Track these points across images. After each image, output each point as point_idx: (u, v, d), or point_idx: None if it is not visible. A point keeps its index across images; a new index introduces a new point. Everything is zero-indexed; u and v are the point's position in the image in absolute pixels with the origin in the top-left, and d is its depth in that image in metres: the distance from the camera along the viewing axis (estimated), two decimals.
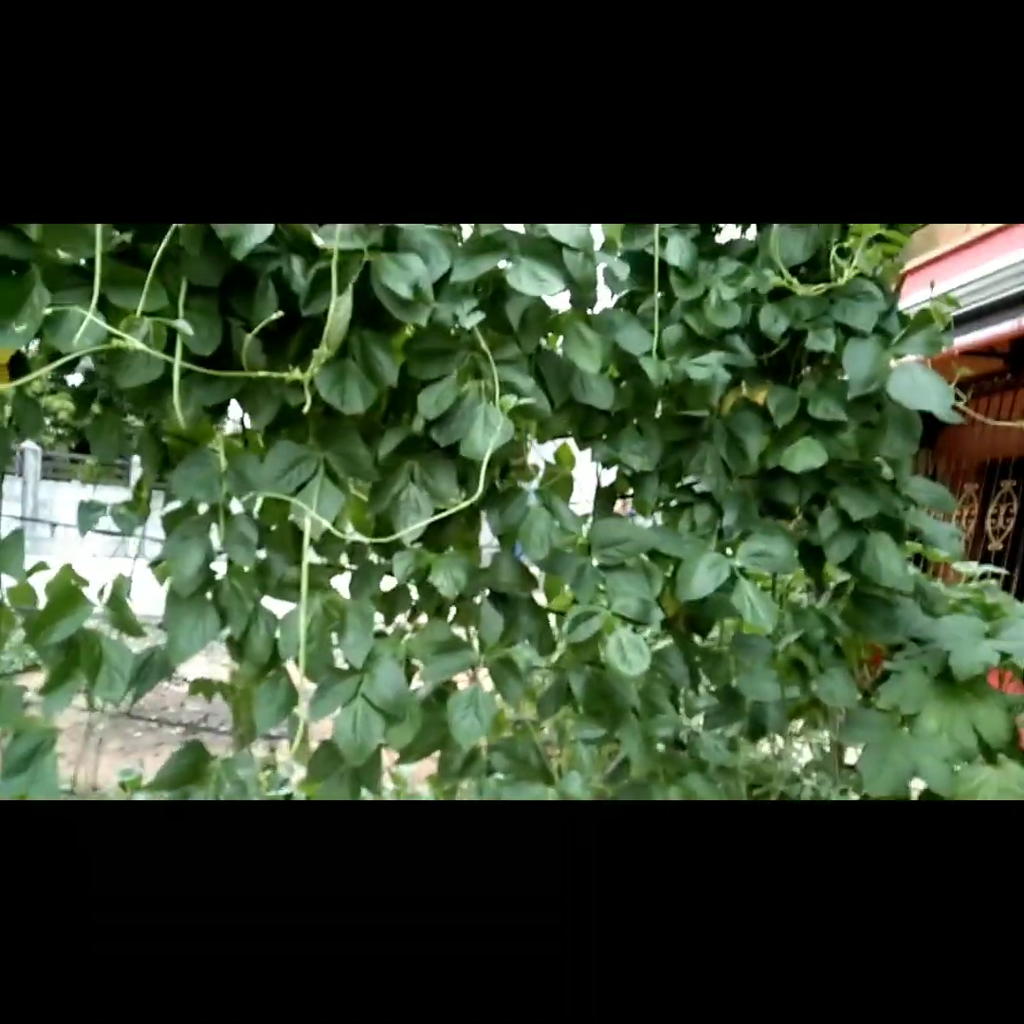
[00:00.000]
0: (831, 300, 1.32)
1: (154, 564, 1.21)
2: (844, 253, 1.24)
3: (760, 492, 1.43)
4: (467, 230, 1.30)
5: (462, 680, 1.29)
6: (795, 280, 1.24)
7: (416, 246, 1.12)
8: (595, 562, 1.28)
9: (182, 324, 0.95)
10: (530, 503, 1.25)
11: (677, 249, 1.27)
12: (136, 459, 1.28)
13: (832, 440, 1.34)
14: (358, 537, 1.20)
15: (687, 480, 1.43)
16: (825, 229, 1.29)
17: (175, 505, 1.22)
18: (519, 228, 1.19)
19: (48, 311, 0.99)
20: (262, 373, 1.07)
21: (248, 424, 1.27)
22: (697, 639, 1.43)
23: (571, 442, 1.46)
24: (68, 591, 1.09)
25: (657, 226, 1.28)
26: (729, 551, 1.32)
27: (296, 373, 1.05)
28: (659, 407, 1.41)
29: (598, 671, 1.26)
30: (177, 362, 1.04)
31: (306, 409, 1.08)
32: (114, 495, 1.34)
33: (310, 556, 1.25)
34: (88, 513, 1.14)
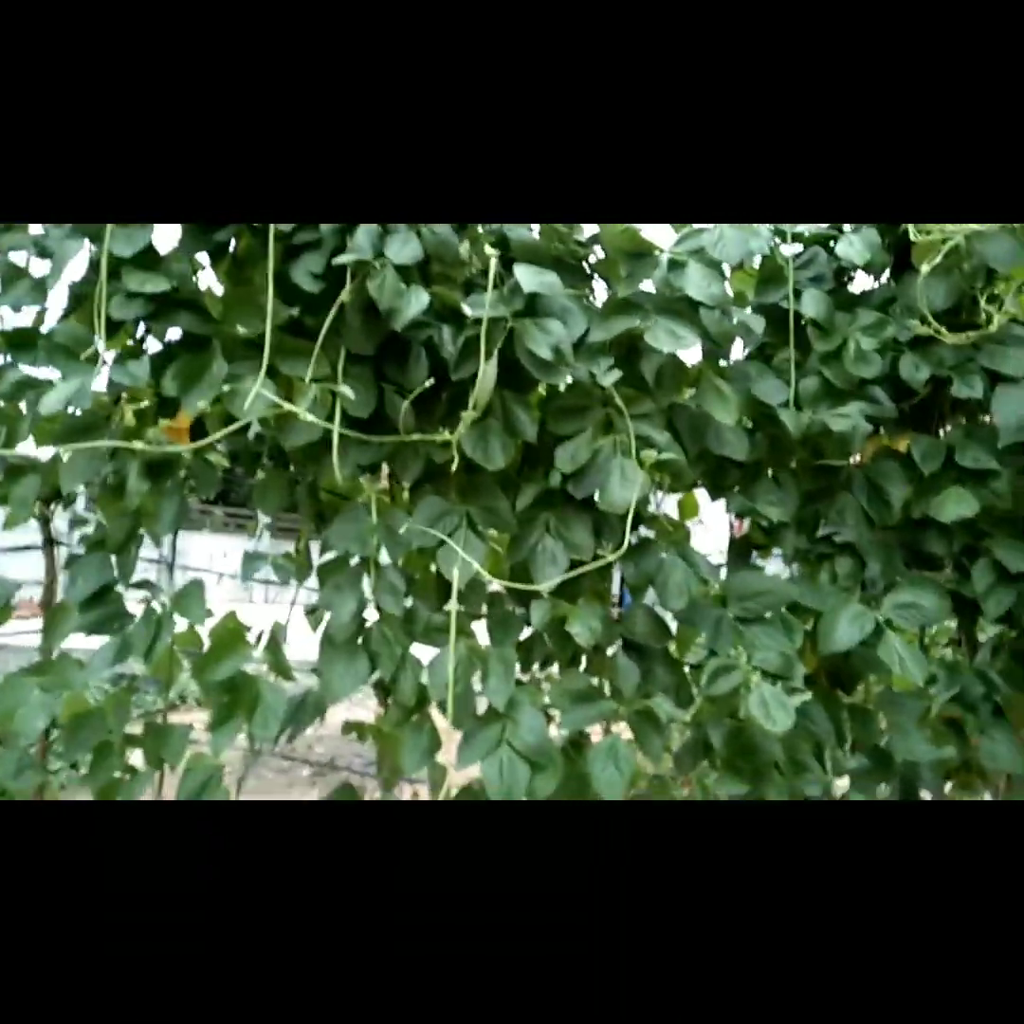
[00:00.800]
0: (975, 346, 1.28)
1: (310, 612, 1.29)
2: (992, 299, 1.20)
3: (905, 543, 1.38)
4: (600, 292, 1.36)
5: (594, 733, 1.30)
6: (943, 328, 1.21)
7: (555, 311, 1.18)
8: (731, 614, 1.27)
9: (345, 390, 1.04)
10: (664, 554, 1.26)
11: (813, 301, 1.28)
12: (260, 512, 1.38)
13: (983, 489, 1.29)
14: (498, 586, 1.24)
15: (825, 531, 1.40)
16: (968, 275, 1.26)
17: (329, 556, 1.31)
18: (650, 289, 1.23)
19: (225, 383, 1.11)
20: (415, 435, 1.15)
21: (390, 481, 1.36)
22: (841, 695, 1.38)
23: (697, 492, 1.47)
24: (231, 635, 1.18)
25: (791, 280, 1.29)
26: (873, 604, 1.28)
27: (445, 433, 1.12)
28: (794, 457, 1.40)
29: (739, 725, 1.24)
30: (336, 425, 1.13)
31: (453, 466, 1.14)
32: (243, 545, 1.45)
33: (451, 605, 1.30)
34: (251, 563, 1.24)
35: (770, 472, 1.37)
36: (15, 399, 1.10)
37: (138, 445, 1.02)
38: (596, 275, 1.35)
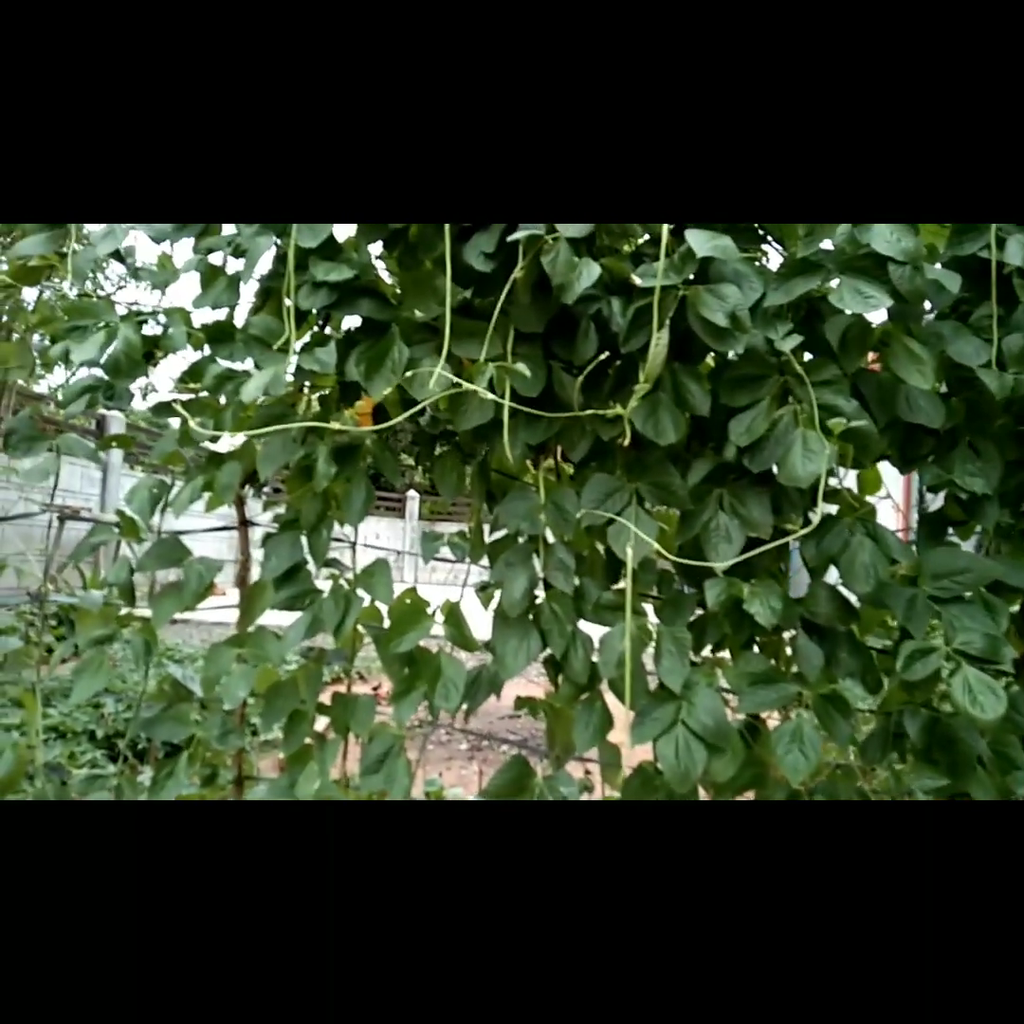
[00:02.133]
0: None
1: (481, 589, 1.32)
2: None
3: None
4: (774, 256, 1.29)
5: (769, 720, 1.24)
6: None
7: (728, 275, 1.13)
8: (927, 593, 1.18)
9: (521, 368, 1.05)
10: (850, 531, 1.18)
11: (1019, 248, 1.15)
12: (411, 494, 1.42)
13: None
14: (669, 564, 1.21)
15: None
16: None
17: (498, 535, 1.33)
18: (829, 246, 1.16)
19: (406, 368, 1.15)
20: (586, 411, 1.14)
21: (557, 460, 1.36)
22: None
23: (880, 465, 1.37)
24: (412, 608, 1.23)
25: (993, 226, 1.17)
26: None
27: (617, 408, 1.11)
28: (996, 424, 1.27)
29: (936, 714, 1.15)
30: (506, 404, 1.14)
31: (625, 442, 1.12)
32: (393, 527, 1.49)
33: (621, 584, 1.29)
34: (430, 543, 1.28)
35: (968, 440, 1.25)
36: (216, 392, 1.19)
37: (335, 425, 1.08)
38: (769, 237, 1.28)
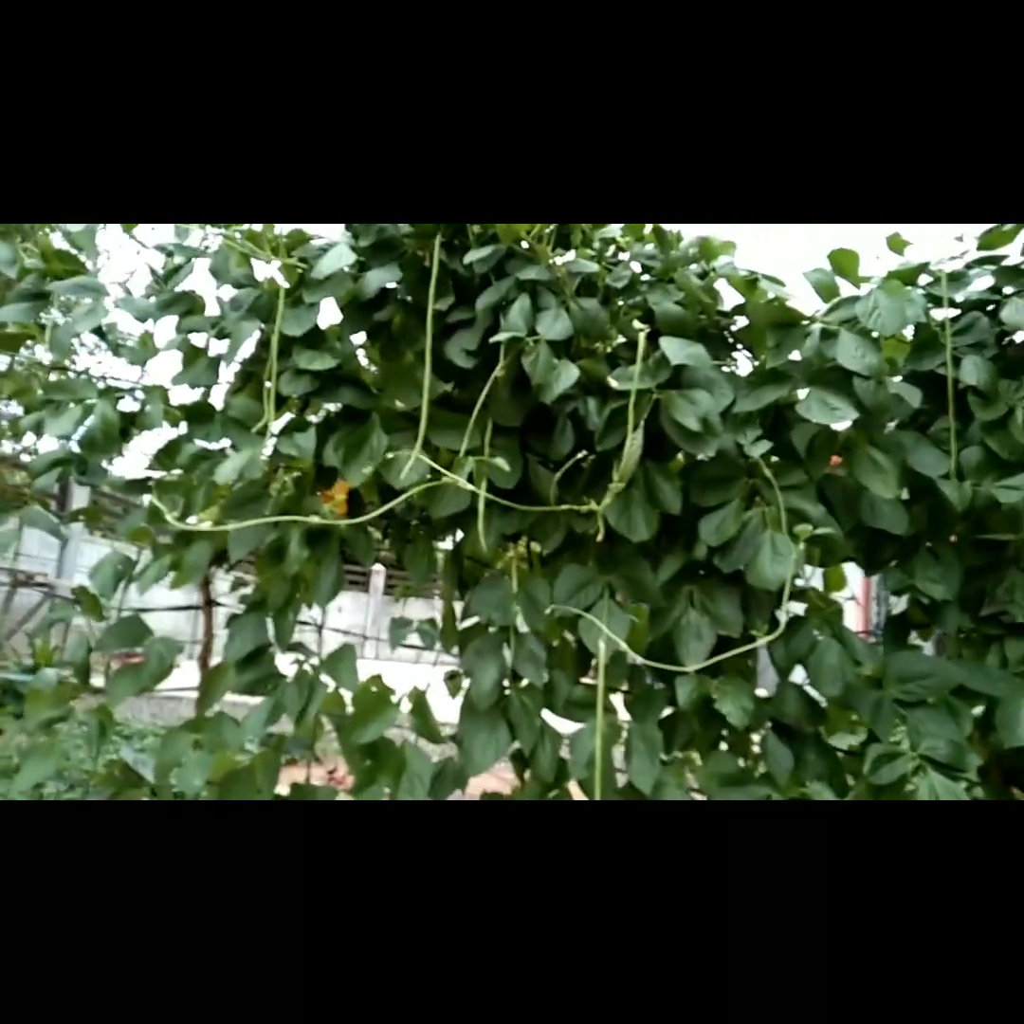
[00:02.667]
0: None
1: (450, 678, 1.30)
2: None
3: None
4: (743, 365, 1.35)
5: None
6: None
7: (700, 381, 1.17)
8: (892, 697, 1.19)
9: (501, 462, 1.06)
10: (818, 633, 1.20)
11: (973, 369, 1.22)
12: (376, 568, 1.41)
13: None
14: (640, 660, 1.21)
15: (990, 610, 1.30)
16: None
17: (469, 623, 1.32)
18: (796, 356, 1.21)
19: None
20: (563, 506, 1.16)
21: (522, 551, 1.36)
22: (1017, 793, 1.26)
23: (845, 566, 1.40)
24: (378, 697, 1.20)
25: (949, 345, 1.23)
26: None
27: (592, 504, 1.12)
28: (954, 531, 1.32)
29: None
30: (482, 495, 1.15)
31: (599, 537, 1.14)
32: (356, 602, 1.48)
33: (588, 678, 1.28)
34: (398, 629, 1.27)
35: (928, 545, 1.29)
36: (190, 471, 1.19)
37: (315, 520, 1.08)
38: (739, 346, 1.34)
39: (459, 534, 1.41)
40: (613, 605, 1.18)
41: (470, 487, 1.05)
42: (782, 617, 1.22)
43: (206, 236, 1.36)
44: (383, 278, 1.15)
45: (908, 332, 1.33)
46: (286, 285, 1.25)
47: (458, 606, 1.43)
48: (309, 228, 1.28)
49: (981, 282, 1.30)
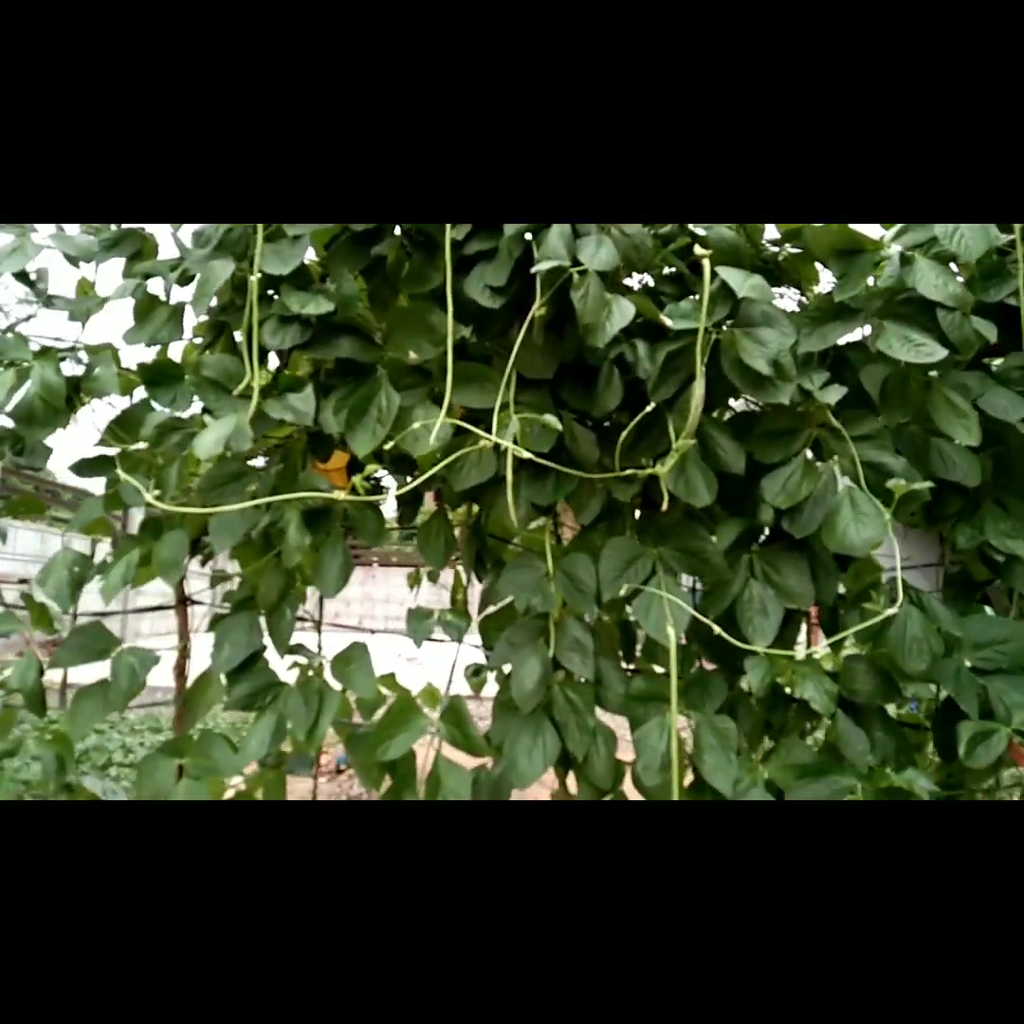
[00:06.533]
0: None
1: (474, 673, 1.13)
2: None
3: None
4: (789, 299, 1.19)
5: None
6: None
7: (758, 318, 1.01)
8: (968, 665, 1.08)
9: (550, 419, 0.88)
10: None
11: None
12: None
13: None
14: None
15: None
16: None
17: (492, 609, 1.15)
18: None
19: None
20: (623, 470, 0.99)
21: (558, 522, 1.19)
22: None
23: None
24: (402, 706, 1.02)
25: (1022, 270, 1.10)
26: None
27: (656, 467, 0.96)
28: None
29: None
30: (509, 461, 0.97)
31: (664, 505, 0.98)
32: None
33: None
34: (421, 620, 1.08)
35: (993, 498, 1.17)
36: (157, 444, 0.97)
37: (341, 496, 0.88)
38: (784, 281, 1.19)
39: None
40: (670, 581, 1.03)
41: (522, 452, 0.87)
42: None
43: None
44: None
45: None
46: None
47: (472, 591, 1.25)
48: None
49: None
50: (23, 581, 7.30)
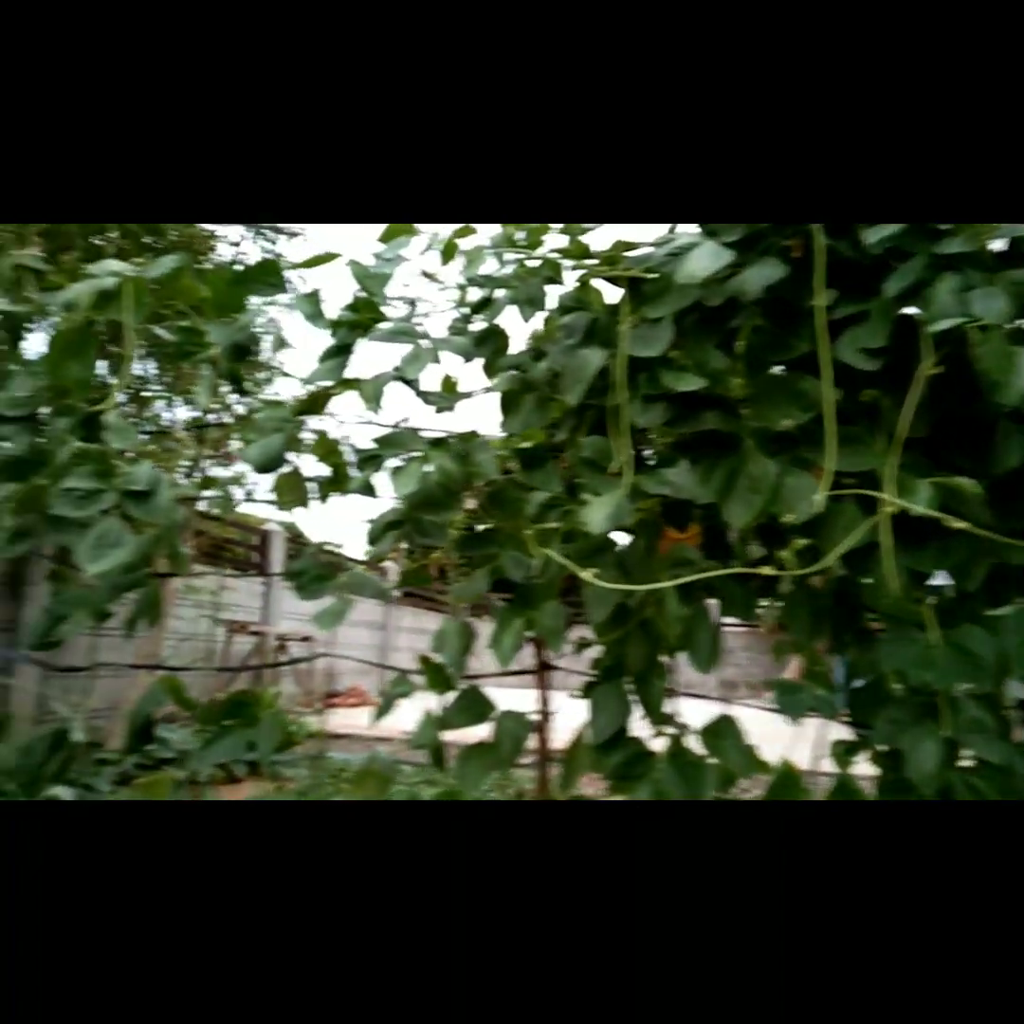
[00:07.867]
0: None
1: (848, 751, 1.07)
2: None
3: None
4: None
5: None
6: None
7: None
8: None
9: (965, 481, 0.83)
10: None
11: None
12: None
13: None
14: None
15: None
16: None
17: (860, 683, 1.09)
18: None
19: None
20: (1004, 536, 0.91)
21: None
22: None
23: None
24: (785, 780, 0.99)
25: None
26: None
27: None
28: None
29: None
30: (886, 525, 0.92)
31: None
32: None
33: None
34: (793, 695, 1.05)
35: None
36: (541, 521, 1.05)
37: (733, 570, 0.89)
38: None
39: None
40: None
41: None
42: None
43: (502, 265, 1.24)
44: (765, 275, 0.96)
45: None
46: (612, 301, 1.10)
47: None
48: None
49: None
50: (306, 639, 8.19)
